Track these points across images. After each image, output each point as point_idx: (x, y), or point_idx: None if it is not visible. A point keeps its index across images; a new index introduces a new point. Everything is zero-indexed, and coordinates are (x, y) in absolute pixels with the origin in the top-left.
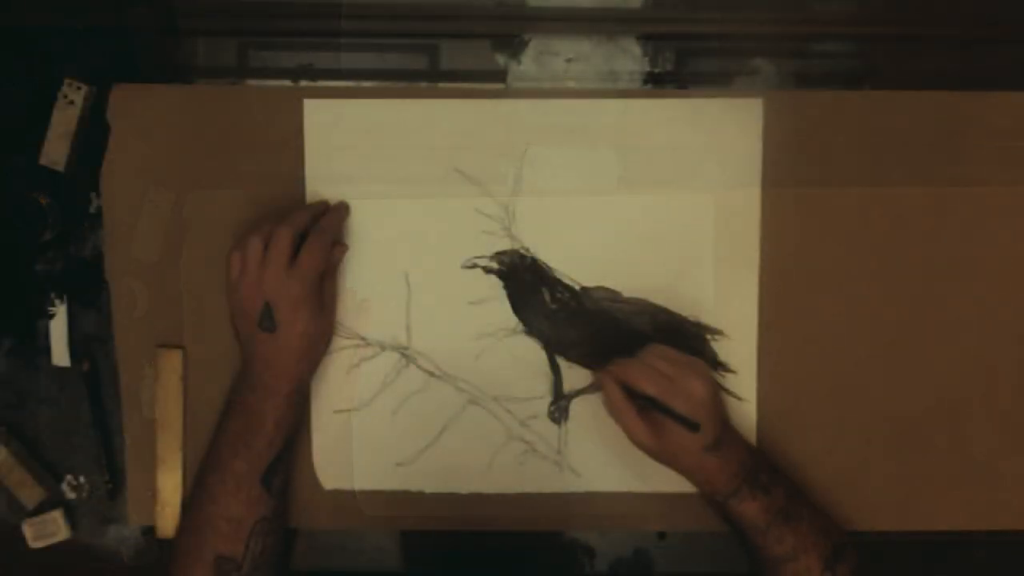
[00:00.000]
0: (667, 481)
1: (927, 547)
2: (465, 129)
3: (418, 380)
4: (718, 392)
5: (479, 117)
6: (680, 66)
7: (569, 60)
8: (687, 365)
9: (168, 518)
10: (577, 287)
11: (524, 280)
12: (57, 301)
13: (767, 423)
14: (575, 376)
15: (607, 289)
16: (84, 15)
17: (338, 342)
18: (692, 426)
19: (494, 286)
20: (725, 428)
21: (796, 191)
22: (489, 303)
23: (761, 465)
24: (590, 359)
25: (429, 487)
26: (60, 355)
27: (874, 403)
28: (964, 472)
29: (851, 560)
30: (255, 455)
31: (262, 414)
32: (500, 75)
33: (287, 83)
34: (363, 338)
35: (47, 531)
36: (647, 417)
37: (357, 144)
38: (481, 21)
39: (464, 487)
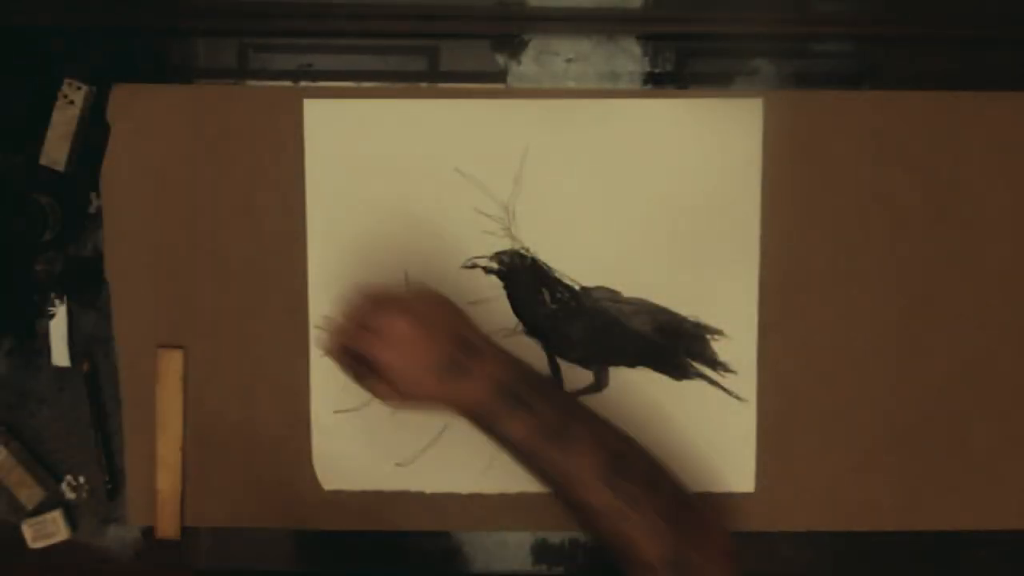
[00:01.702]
0: None
1: (927, 547)
2: (465, 129)
3: None
4: (439, 315)
5: (479, 117)
6: (680, 66)
7: (569, 60)
8: (384, 305)
9: (168, 518)
10: (577, 287)
11: (524, 280)
12: (57, 301)
13: (767, 423)
14: (575, 376)
15: (607, 289)
16: (84, 15)
17: None
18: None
19: (494, 286)
20: (462, 348)
21: (796, 191)
22: (489, 303)
23: (520, 380)
24: (590, 359)
25: (429, 487)
26: (60, 355)
27: (874, 403)
28: (964, 472)
29: (641, 466)
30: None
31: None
32: (500, 75)
33: (287, 83)
34: None
35: (47, 531)
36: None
37: (357, 144)
38: (481, 21)
39: (464, 487)
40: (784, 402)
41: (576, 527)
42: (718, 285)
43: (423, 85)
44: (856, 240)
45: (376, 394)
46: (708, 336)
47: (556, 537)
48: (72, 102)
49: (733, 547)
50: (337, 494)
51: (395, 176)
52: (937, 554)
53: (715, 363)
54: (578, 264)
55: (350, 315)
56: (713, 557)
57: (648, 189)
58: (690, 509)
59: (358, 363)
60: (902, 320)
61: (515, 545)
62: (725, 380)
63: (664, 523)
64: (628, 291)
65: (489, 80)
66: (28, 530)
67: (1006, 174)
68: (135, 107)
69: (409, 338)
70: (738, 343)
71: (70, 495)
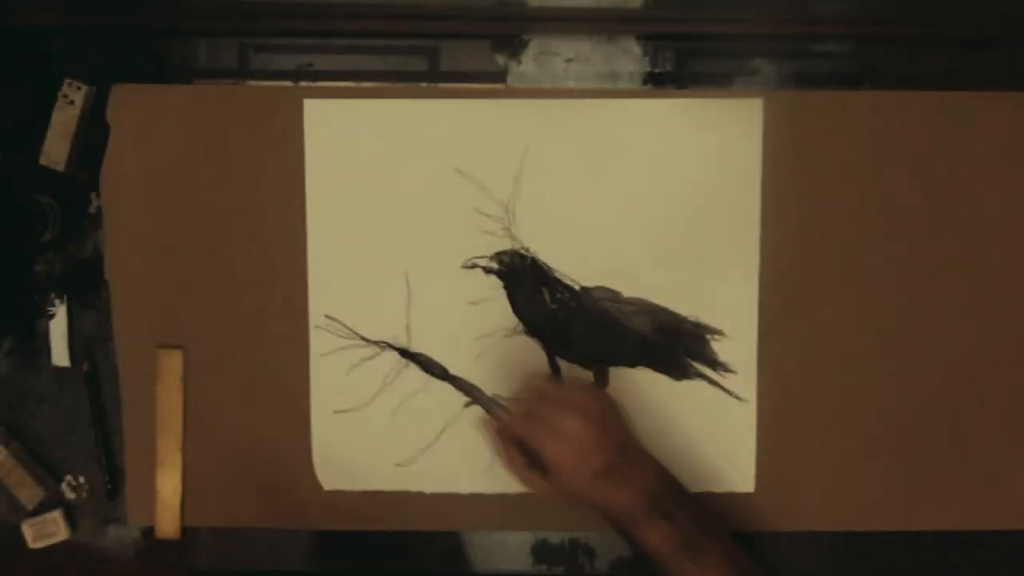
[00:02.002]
0: None
1: (927, 547)
2: (465, 129)
3: (418, 380)
4: (606, 419)
5: (479, 117)
6: (680, 66)
7: (569, 60)
8: (560, 401)
9: (168, 518)
10: (577, 287)
11: (524, 280)
12: (57, 301)
13: (767, 423)
14: (575, 376)
15: (607, 289)
16: (84, 15)
17: (338, 342)
18: (542, 469)
19: (494, 286)
20: (620, 454)
21: (796, 191)
22: (489, 303)
23: (666, 491)
24: (590, 359)
25: (429, 487)
26: (60, 355)
27: (874, 403)
28: (964, 472)
29: None
30: None
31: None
32: (500, 75)
33: (287, 83)
34: (363, 338)
35: (47, 531)
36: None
37: (357, 144)
38: (481, 21)
39: (464, 487)
40: (784, 402)
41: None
42: (718, 285)
43: (423, 85)
44: (856, 240)
45: (526, 482)
46: (708, 336)
47: (556, 537)
48: (72, 102)
49: None
50: (337, 494)
51: (395, 176)
52: (937, 554)
53: (715, 363)
54: (578, 264)
55: (526, 403)
56: None
57: (648, 189)
58: None
59: (516, 448)
60: (902, 320)
61: (515, 545)
62: (725, 380)
63: None
64: (628, 291)
65: (489, 80)
66: (28, 530)
67: (1006, 174)
68: (135, 107)
69: (581, 440)
70: (738, 343)
71: (70, 495)
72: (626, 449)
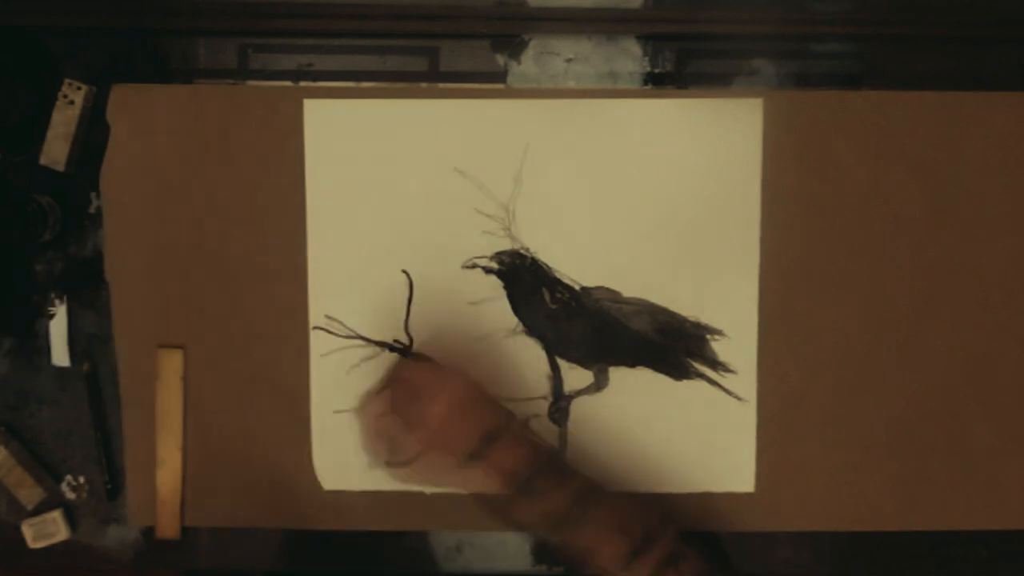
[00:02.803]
0: (667, 481)
1: (927, 547)
2: (465, 129)
3: None
4: (472, 404)
5: (479, 117)
6: (680, 66)
7: (569, 60)
8: (422, 388)
9: (168, 518)
10: (577, 287)
11: (524, 280)
12: (57, 301)
13: (767, 423)
14: (575, 376)
15: (607, 289)
16: (84, 15)
17: (338, 342)
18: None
19: (494, 286)
20: (488, 439)
21: (796, 191)
22: (489, 303)
23: (542, 469)
24: (590, 359)
25: (429, 487)
26: (60, 355)
27: (874, 403)
28: (964, 472)
29: (661, 549)
30: None
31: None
32: (500, 75)
33: (287, 83)
34: (363, 338)
35: (47, 531)
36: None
37: (357, 144)
38: (481, 21)
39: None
40: (784, 402)
41: None
42: (718, 285)
43: (423, 85)
44: (856, 240)
45: (390, 474)
46: (708, 336)
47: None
48: (72, 102)
49: None
50: (337, 494)
51: (395, 176)
52: (937, 554)
53: (715, 363)
54: (578, 264)
55: (388, 391)
56: None
57: (648, 189)
58: None
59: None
60: (902, 320)
61: (515, 545)
62: (725, 380)
63: None
64: (628, 291)
65: (489, 80)
66: (28, 530)
67: (1006, 174)
68: (135, 107)
69: (444, 427)
70: (738, 343)
71: (70, 495)
72: (491, 434)
